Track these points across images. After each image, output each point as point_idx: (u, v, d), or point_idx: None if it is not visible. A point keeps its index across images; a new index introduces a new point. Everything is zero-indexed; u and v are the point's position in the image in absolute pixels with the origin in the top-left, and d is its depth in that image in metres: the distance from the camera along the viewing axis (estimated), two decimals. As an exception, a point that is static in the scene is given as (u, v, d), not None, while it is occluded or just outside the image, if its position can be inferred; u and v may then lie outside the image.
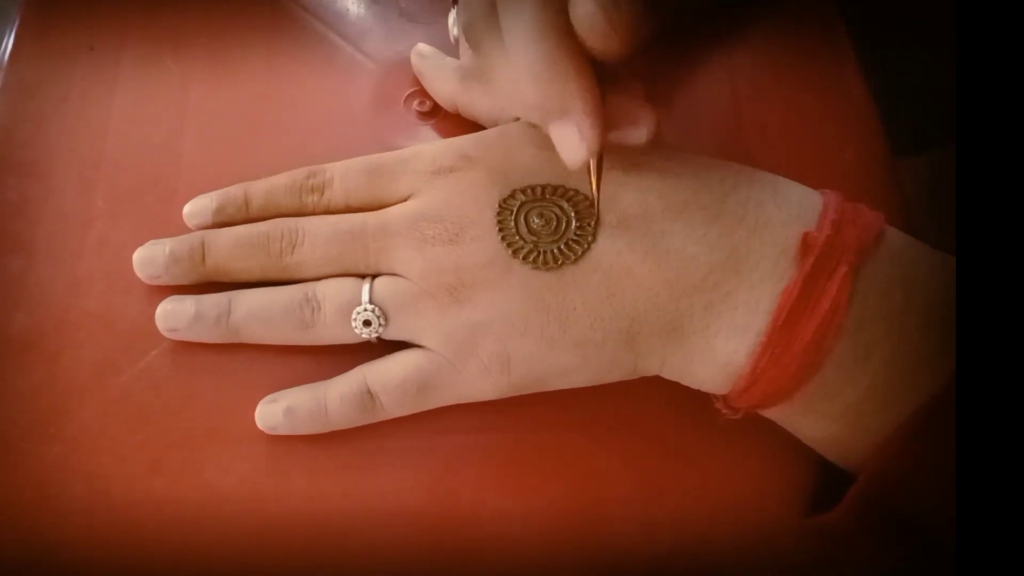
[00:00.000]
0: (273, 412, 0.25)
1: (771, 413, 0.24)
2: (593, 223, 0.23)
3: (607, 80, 0.21)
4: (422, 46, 0.31)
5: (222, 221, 0.27)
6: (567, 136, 0.21)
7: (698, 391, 0.24)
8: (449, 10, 0.31)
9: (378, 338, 0.25)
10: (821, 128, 0.31)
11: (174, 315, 0.25)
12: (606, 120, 0.21)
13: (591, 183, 0.22)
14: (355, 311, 0.24)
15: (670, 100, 0.31)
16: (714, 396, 0.24)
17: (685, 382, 0.24)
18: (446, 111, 0.30)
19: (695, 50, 0.32)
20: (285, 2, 0.33)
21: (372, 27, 0.33)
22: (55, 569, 0.24)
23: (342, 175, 0.26)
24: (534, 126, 0.25)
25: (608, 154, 0.24)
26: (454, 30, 0.29)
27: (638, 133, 0.22)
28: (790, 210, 0.22)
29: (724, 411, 0.24)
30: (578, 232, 0.23)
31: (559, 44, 0.20)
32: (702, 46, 0.33)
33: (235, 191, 0.27)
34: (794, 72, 0.32)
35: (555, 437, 0.26)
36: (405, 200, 0.25)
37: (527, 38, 0.20)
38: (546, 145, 0.25)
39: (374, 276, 0.25)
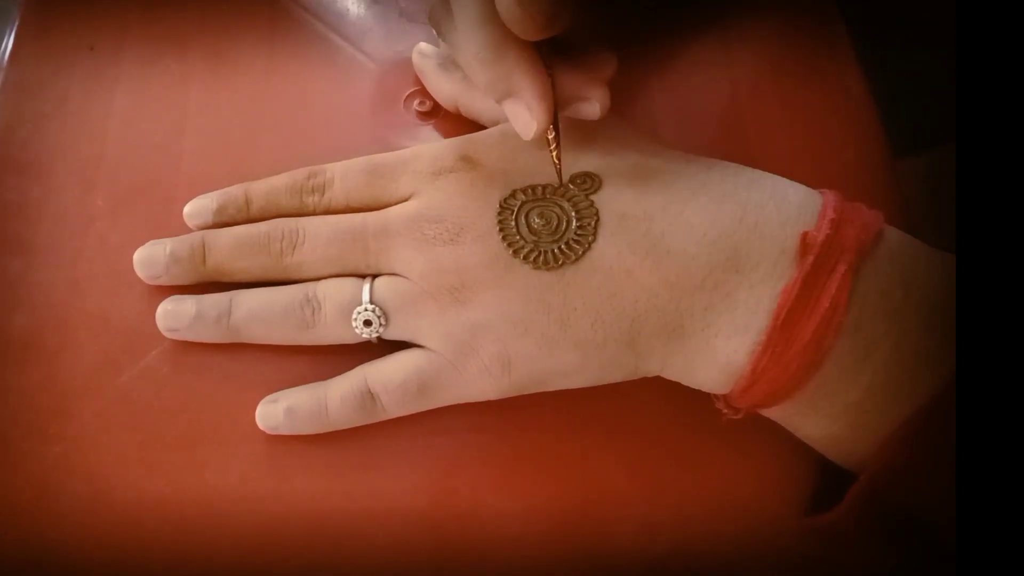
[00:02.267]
0: (274, 412, 0.25)
1: (772, 413, 0.24)
2: (594, 223, 0.23)
3: (560, 58, 0.23)
4: (423, 45, 0.31)
5: (223, 221, 0.27)
6: (518, 113, 0.23)
7: (698, 391, 0.24)
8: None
9: (378, 338, 0.25)
10: (821, 128, 0.31)
11: (175, 315, 0.25)
12: (552, 97, 0.22)
13: (551, 154, 0.24)
14: (356, 311, 0.24)
15: (668, 94, 0.31)
16: (715, 396, 0.24)
17: (686, 382, 0.24)
18: (446, 111, 0.30)
19: (692, 42, 0.32)
20: (285, 2, 0.33)
21: (372, 27, 0.33)
22: (55, 569, 0.24)
23: (343, 175, 0.26)
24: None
25: (607, 153, 0.24)
26: None
27: (591, 108, 0.24)
28: (789, 210, 0.23)
29: (725, 411, 0.24)
30: (579, 232, 0.23)
31: (501, 29, 0.21)
32: (699, 33, 0.33)
33: (236, 191, 0.27)
34: (794, 72, 0.32)
35: (555, 437, 0.26)
36: (406, 200, 0.25)
37: (471, 24, 0.21)
38: (546, 145, 0.25)
39: (374, 276, 0.25)
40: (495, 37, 0.21)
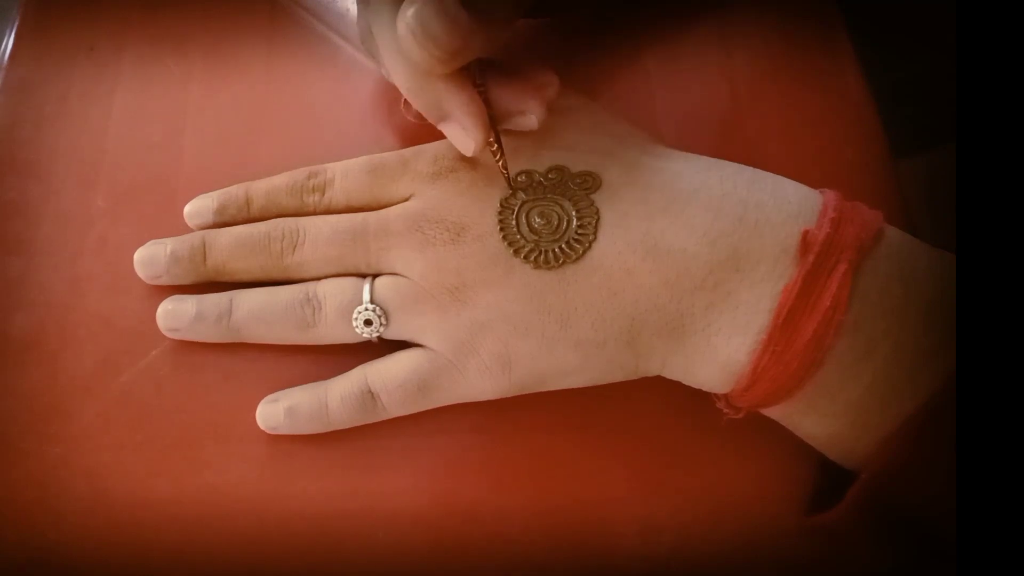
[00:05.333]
0: (274, 412, 0.25)
1: (772, 412, 0.24)
2: (594, 222, 0.23)
3: (499, 73, 0.24)
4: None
5: (223, 221, 0.27)
6: (454, 134, 0.23)
7: (698, 391, 0.24)
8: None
9: (379, 338, 0.25)
10: (821, 128, 0.31)
11: (175, 315, 0.25)
12: (486, 114, 0.23)
13: (498, 166, 0.24)
14: (356, 311, 0.24)
15: (668, 94, 0.31)
16: (715, 396, 0.24)
17: (687, 382, 0.24)
18: (446, 111, 0.30)
19: (692, 37, 0.32)
20: (285, 2, 0.33)
21: (372, 27, 0.33)
22: (55, 569, 0.24)
23: (343, 175, 0.26)
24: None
25: (607, 153, 0.24)
26: None
27: (528, 120, 0.24)
28: (790, 209, 0.23)
29: (726, 410, 0.24)
30: (579, 231, 0.23)
31: None
32: (699, 21, 0.33)
33: (236, 191, 0.27)
34: (794, 72, 0.32)
35: (556, 437, 0.26)
36: (406, 200, 0.25)
37: (392, 58, 0.22)
38: (546, 144, 0.25)
39: (375, 276, 0.25)
40: (421, 73, 0.22)
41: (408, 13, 0.20)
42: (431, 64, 0.20)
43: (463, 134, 0.23)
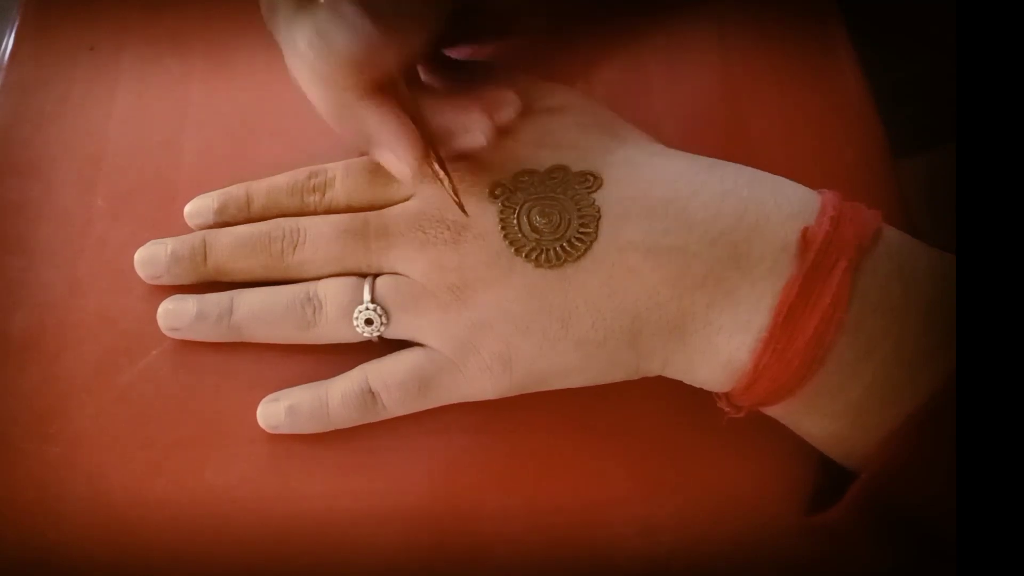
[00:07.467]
0: (275, 411, 0.25)
1: (773, 411, 0.24)
2: (595, 221, 0.23)
3: (430, 93, 0.22)
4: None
5: (224, 221, 0.27)
6: (387, 161, 0.22)
7: (698, 390, 0.24)
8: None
9: (379, 337, 0.25)
10: (821, 128, 0.31)
11: (176, 314, 0.25)
12: (419, 138, 0.21)
13: (448, 191, 0.23)
14: (357, 310, 0.24)
15: (668, 94, 0.31)
16: (716, 395, 0.24)
17: (687, 381, 0.24)
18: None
19: (691, 34, 0.33)
20: (285, 2, 0.33)
21: (372, 27, 0.33)
22: (55, 569, 0.24)
23: (344, 175, 0.26)
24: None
25: (608, 152, 0.25)
26: None
27: (472, 138, 0.23)
28: (790, 208, 0.23)
29: (727, 409, 0.24)
30: (580, 230, 0.23)
31: (338, 83, 0.20)
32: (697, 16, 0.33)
33: (237, 191, 0.27)
34: (794, 72, 0.32)
35: (556, 437, 0.26)
36: (407, 200, 0.25)
37: (307, 80, 0.20)
38: (547, 143, 0.25)
39: (375, 275, 0.25)
40: (336, 94, 0.20)
41: (306, 25, 0.19)
42: (337, 76, 0.19)
43: (395, 162, 0.21)
